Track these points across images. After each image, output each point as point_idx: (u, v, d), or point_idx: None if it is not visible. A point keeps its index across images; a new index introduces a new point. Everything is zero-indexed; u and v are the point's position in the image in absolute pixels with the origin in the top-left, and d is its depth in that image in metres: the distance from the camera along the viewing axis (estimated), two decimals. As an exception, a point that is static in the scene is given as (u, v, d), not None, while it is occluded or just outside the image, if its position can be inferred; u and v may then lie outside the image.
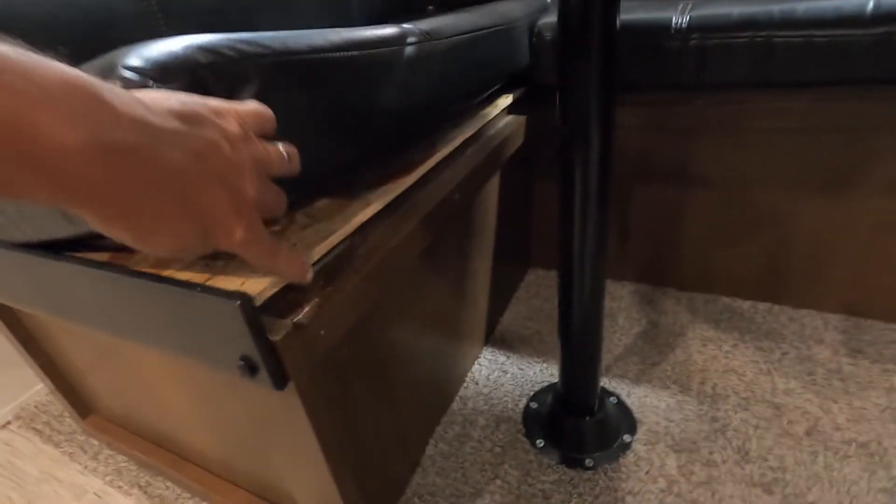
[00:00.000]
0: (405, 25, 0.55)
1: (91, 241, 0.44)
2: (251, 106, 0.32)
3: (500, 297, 0.97)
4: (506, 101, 0.82)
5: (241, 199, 0.29)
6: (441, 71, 0.59)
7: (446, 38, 0.59)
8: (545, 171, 0.98)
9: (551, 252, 1.10)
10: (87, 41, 0.64)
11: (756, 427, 0.69)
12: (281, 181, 0.33)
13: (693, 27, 0.72)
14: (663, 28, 0.73)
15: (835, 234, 0.80)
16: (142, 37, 0.71)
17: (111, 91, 0.22)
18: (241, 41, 0.37)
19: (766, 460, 0.65)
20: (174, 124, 0.25)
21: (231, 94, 0.35)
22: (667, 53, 0.74)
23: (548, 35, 0.79)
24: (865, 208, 0.76)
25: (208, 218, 0.27)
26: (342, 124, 0.47)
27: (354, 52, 0.46)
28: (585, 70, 0.48)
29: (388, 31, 0.52)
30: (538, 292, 1.04)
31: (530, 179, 0.99)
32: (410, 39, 0.53)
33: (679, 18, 0.73)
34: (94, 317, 0.47)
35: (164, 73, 0.32)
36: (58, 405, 0.96)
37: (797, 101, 0.72)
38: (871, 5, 0.64)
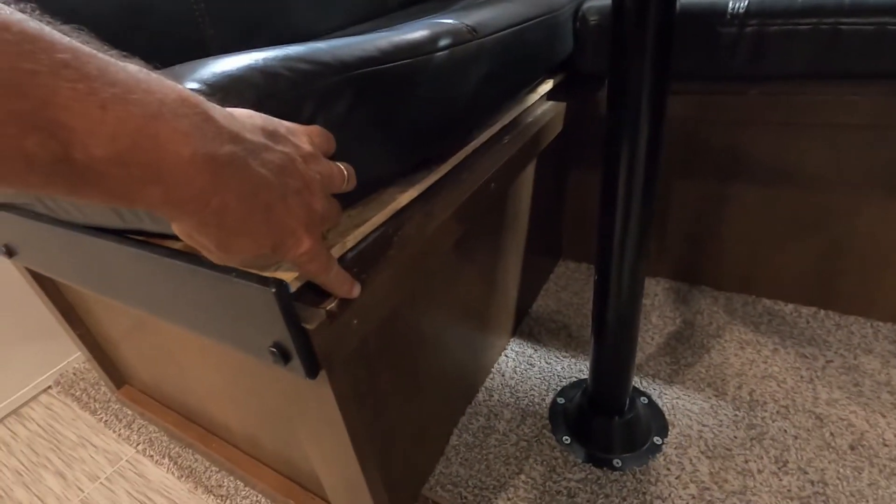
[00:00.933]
0: (450, 21, 0.53)
1: (131, 233, 0.44)
2: (316, 127, 0.34)
3: (530, 288, 0.95)
4: (546, 87, 0.79)
5: (311, 213, 0.30)
6: (488, 69, 0.56)
7: (493, 33, 0.56)
8: (581, 161, 0.94)
9: (583, 244, 1.08)
10: (130, 21, 0.64)
11: (796, 437, 0.66)
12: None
13: (752, 12, 0.67)
14: (719, 13, 0.69)
15: (894, 239, 0.75)
16: (182, 17, 0.71)
17: (213, 107, 0.24)
18: (297, 59, 0.36)
19: (806, 473, 0.62)
20: (262, 139, 0.27)
21: (288, 114, 0.34)
22: (721, 40, 0.70)
23: (593, 20, 0.76)
24: (931, 213, 0.71)
25: (284, 229, 0.29)
26: (392, 133, 0.45)
27: (406, 60, 0.44)
28: (639, 57, 0.45)
29: (434, 31, 0.49)
30: (567, 285, 1.02)
31: (565, 168, 0.96)
32: (458, 39, 0.51)
33: (737, 3, 0.68)
34: (132, 295, 0.48)
35: (223, 96, 0.31)
36: (94, 374, 1.00)
37: (864, 95, 0.67)
38: (955, -10, 0.58)
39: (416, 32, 0.48)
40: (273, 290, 0.33)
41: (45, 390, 1.00)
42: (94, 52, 0.20)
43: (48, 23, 0.20)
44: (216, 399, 0.67)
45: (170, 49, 0.70)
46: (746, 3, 0.68)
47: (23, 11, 0.19)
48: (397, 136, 0.46)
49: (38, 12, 0.20)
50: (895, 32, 0.61)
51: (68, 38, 0.20)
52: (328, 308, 0.36)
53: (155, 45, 0.68)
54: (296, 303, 0.36)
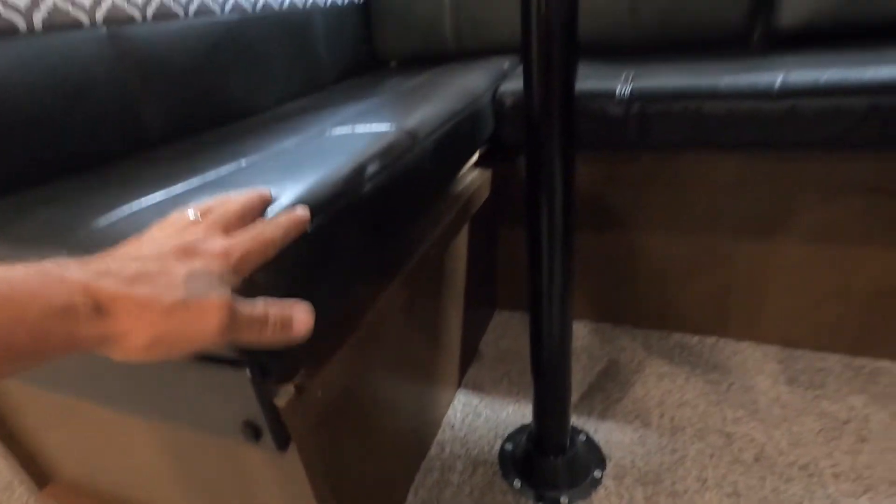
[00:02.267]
0: (392, 129, 0.58)
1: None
2: (231, 206, 0.34)
3: (471, 340, 1.01)
4: (473, 157, 0.88)
5: (214, 287, 0.29)
6: (429, 166, 0.63)
7: (431, 133, 0.63)
8: (508, 219, 1.04)
9: (516, 294, 1.17)
10: (67, 107, 0.65)
11: (711, 456, 0.75)
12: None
13: (634, 96, 0.81)
14: (609, 96, 0.83)
15: (768, 274, 0.90)
16: (118, 99, 0.72)
17: (115, 256, 0.30)
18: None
19: (723, 487, 0.70)
20: (168, 257, 0.30)
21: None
22: (614, 117, 0.83)
23: (508, 101, 0.87)
24: (793, 251, 0.87)
25: (195, 311, 0.28)
26: (355, 246, 0.47)
27: (355, 186, 0.46)
28: (549, 131, 0.54)
29: (379, 148, 0.53)
30: (505, 333, 1.08)
31: (494, 226, 1.06)
32: (401, 150, 0.56)
33: (622, 88, 0.82)
34: (76, 386, 0.47)
35: None
36: (8, 474, 0.90)
37: (728, 161, 0.82)
38: (779, 81, 0.75)
39: (361, 157, 0.50)
40: (247, 371, 0.35)
41: (-59, 501, 0.88)
42: (52, 263, 0.26)
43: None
44: (163, 485, 0.65)
45: (107, 132, 0.71)
46: (630, 88, 0.82)
47: None
48: (352, 251, 0.48)
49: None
50: (740, 113, 0.77)
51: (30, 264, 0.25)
52: (296, 384, 0.39)
53: (91, 129, 0.69)
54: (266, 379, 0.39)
